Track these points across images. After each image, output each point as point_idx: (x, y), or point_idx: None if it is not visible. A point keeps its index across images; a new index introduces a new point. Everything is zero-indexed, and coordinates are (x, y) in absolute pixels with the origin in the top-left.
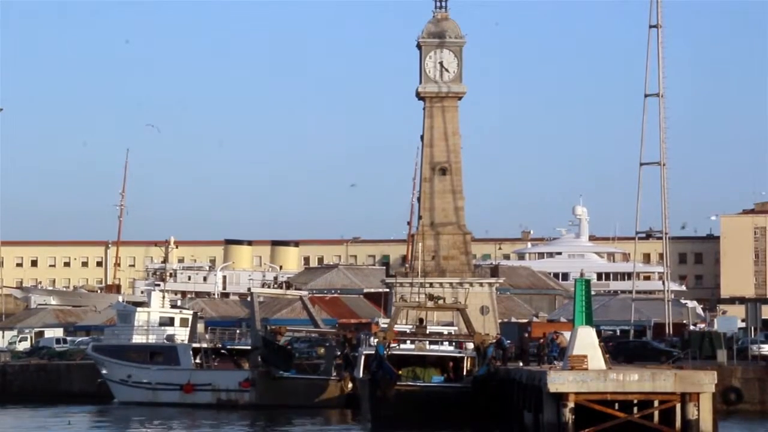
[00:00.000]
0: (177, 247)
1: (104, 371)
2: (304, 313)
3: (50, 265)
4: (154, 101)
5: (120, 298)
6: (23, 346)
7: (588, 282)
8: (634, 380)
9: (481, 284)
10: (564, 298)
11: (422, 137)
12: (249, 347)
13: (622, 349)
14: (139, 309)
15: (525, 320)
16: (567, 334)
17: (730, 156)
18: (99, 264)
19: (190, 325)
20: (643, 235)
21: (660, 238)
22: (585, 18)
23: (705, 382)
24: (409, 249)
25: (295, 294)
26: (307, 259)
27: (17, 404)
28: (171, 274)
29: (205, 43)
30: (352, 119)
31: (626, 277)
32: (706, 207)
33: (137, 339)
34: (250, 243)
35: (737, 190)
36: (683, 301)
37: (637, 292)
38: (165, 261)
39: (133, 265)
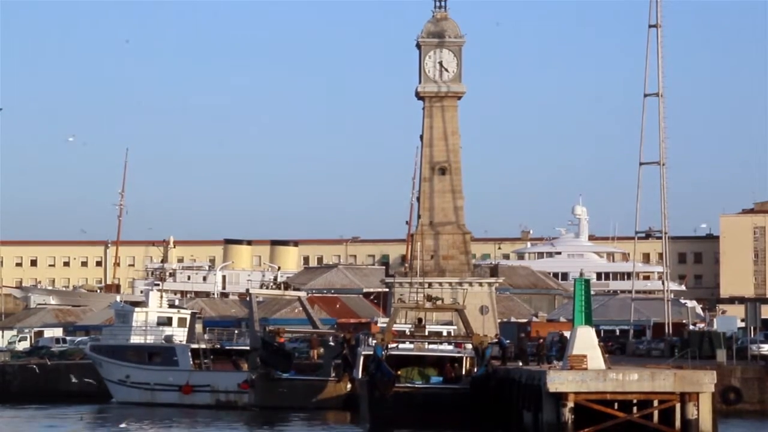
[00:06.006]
0: (175, 247)
1: (102, 371)
2: (303, 313)
3: (50, 265)
4: (154, 101)
5: (118, 298)
6: (23, 345)
7: (587, 282)
8: (633, 380)
9: (480, 284)
10: (563, 298)
11: (422, 137)
12: (248, 347)
13: None
14: (137, 309)
15: (524, 320)
16: (566, 334)
17: (730, 156)
18: (98, 264)
19: (188, 325)
20: (643, 234)
21: (659, 238)
22: (585, 18)
23: (704, 381)
24: (409, 249)
25: (293, 295)
26: (306, 259)
27: (16, 404)
28: (170, 273)
29: (205, 43)
30: (352, 119)
31: (626, 277)
32: (706, 207)
33: (135, 339)
34: (249, 243)
35: (737, 190)
36: (683, 301)
37: (637, 291)
38: (164, 261)
39: (133, 265)
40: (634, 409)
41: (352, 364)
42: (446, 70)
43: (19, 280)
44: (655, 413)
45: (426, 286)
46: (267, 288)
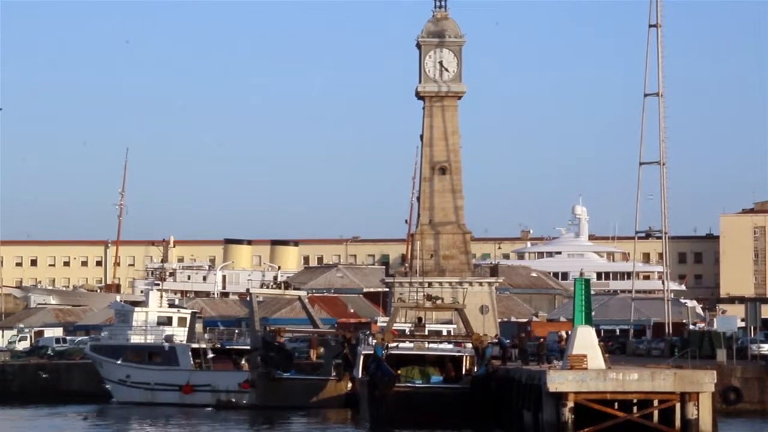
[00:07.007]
0: (175, 247)
1: (102, 371)
2: (303, 313)
3: (50, 265)
4: (154, 101)
5: (118, 298)
6: (23, 345)
7: (587, 281)
8: (633, 380)
9: (480, 284)
10: (564, 298)
11: (422, 137)
12: (248, 347)
13: None
14: (137, 309)
15: (525, 320)
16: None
17: (730, 156)
18: (98, 263)
19: (188, 324)
20: (643, 234)
21: (659, 238)
22: (584, 17)
23: (704, 381)
24: (409, 248)
25: (293, 294)
26: (306, 259)
27: (16, 404)
28: (170, 273)
29: (205, 43)
30: (352, 118)
31: (626, 277)
32: (706, 207)
33: (135, 339)
34: (249, 242)
35: (737, 190)
36: (683, 301)
37: (637, 291)
38: (164, 260)
39: (133, 265)
40: (634, 408)
41: (353, 363)
42: (446, 69)
43: (19, 280)
44: (655, 413)
45: (426, 285)
46: (267, 288)
